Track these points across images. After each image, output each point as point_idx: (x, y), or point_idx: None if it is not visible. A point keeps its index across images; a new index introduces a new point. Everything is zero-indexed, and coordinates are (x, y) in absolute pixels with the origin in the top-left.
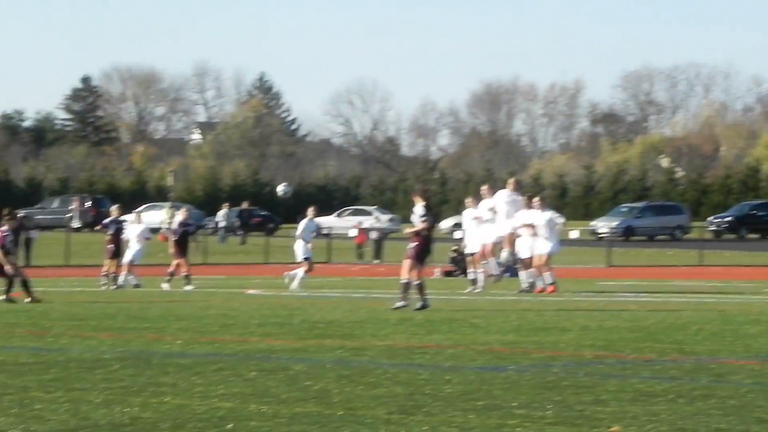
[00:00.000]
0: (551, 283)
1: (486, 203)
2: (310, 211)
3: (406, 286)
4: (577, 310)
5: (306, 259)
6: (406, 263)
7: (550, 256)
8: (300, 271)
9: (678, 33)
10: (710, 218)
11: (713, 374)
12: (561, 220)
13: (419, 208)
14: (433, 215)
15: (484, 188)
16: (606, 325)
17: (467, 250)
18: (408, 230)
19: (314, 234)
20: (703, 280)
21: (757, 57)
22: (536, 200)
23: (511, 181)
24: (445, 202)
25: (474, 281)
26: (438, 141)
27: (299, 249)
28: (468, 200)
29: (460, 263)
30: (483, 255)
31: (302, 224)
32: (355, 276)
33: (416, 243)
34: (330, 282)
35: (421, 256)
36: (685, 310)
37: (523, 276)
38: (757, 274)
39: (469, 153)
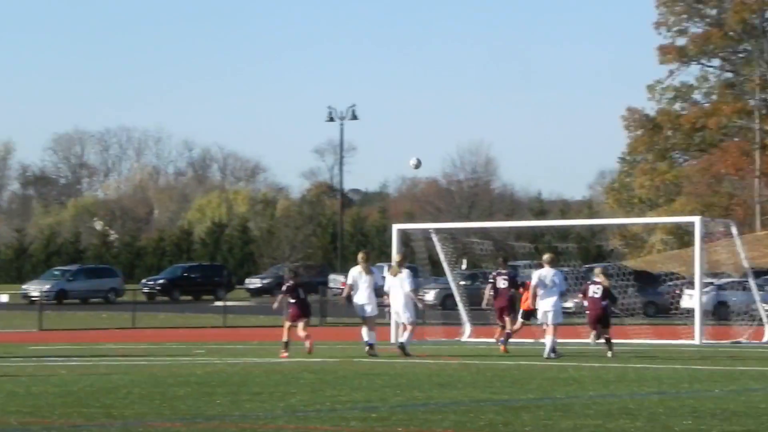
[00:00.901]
0: None
1: None
2: None
3: None
4: (4, 375)
5: None
6: None
7: None
8: None
9: (108, 97)
10: (144, 280)
11: None
12: None
13: None
14: None
15: None
16: (33, 391)
17: None
18: None
19: None
20: (135, 343)
21: (187, 122)
22: None
23: None
24: None
25: None
26: None
27: None
28: None
29: None
30: None
31: None
32: None
33: None
34: None
35: None
36: (116, 373)
37: None
38: (189, 336)
39: None
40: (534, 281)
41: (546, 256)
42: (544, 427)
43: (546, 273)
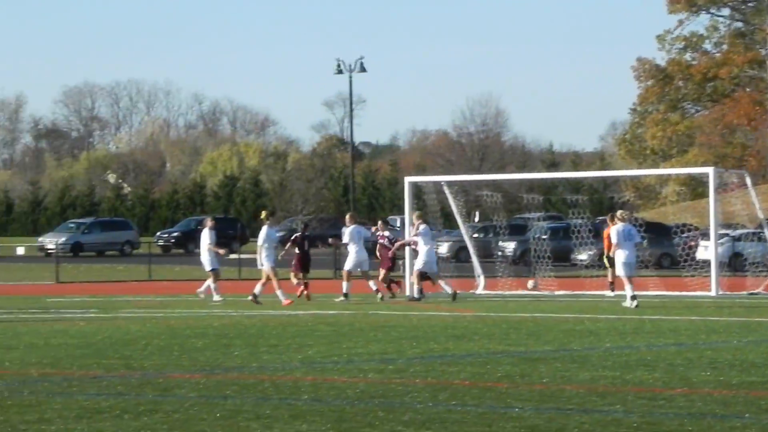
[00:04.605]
0: None
1: None
2: None
3: None
4: (23, 327)
5: None
6: None
7: None
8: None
9: (117, 49)
10: (159, 233)
11: (160, 389)
12: None
13: None
14: None
15: None
16: (53, 342)
17: None
18: None
19: None
20: (152, 295)
21: (197, 75)
22: None
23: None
24: None
25: None
26: None
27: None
28: None
29: None
30: None
31: None
32: None
33: None
34: None
35: None
36: (134, 325)
37: None
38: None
39: None
40: (615, 236)
41: (620, 213)
42: (562, 378)
43: (624, 228)
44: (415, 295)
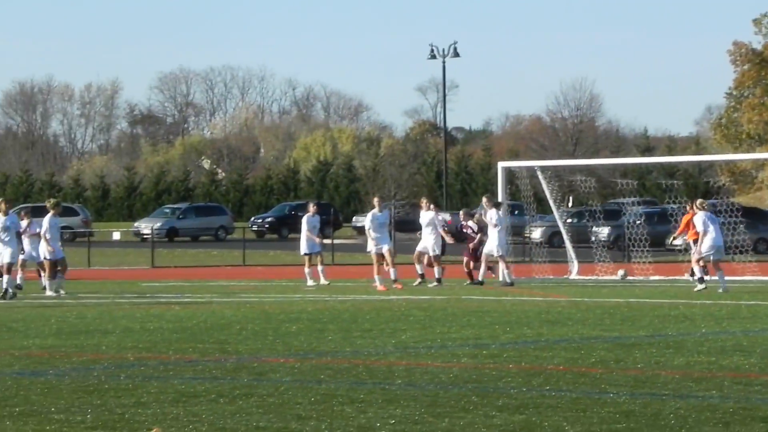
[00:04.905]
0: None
1: None
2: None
3: None
4: (120, 312)
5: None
6: None
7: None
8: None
9: (212, 35)
10: (253, 218)
11: (254, 373)
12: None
13: None
14: None
15: None
16: (149, 327)
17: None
18: None
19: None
20: (246, 280)
21: (290, 61)
22: None
23: None
24: None
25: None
26: None
27: None
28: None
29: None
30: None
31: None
32: None
33: None
34: None
35: None
36: (228, 309)
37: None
38: (298, 273)
39: (4, 154)
40: (701, 224)
41: (700, 201)
42: (657, 364)
43: (706, 215)
44: (508, 280)
